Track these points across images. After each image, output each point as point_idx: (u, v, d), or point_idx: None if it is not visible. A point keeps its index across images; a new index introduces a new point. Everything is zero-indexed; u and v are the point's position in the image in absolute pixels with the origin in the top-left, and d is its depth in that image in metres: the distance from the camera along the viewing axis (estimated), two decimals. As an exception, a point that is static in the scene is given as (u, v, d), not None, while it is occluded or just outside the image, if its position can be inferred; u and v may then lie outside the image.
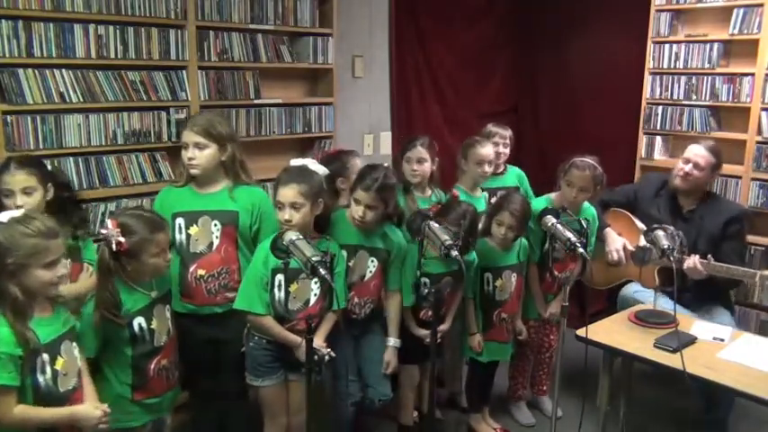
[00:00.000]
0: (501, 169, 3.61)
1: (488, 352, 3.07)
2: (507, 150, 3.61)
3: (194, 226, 2.55)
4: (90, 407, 2.00)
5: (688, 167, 3.25)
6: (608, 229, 3.37)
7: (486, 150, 3.23)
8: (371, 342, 2.81)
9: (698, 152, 3.26)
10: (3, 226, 1.89)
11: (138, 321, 2.23)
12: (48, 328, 1.95)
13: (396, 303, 2.81)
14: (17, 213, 1.95)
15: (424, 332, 2.81)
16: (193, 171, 2.54)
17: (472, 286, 2.99)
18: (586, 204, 3.25)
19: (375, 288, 2.75)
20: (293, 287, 2.46)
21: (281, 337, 2.47)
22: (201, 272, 2.54)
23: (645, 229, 3.06)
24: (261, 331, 2.50)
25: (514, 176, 3.66)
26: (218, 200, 2.59)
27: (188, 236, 2.55)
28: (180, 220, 2.54)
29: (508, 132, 3.62)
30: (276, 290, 2.46)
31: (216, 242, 2.56)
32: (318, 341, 2.41)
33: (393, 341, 2.79)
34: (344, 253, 2.63)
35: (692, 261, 2.97)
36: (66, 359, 1.98)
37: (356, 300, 2.71)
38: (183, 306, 2.56)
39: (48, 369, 1.92)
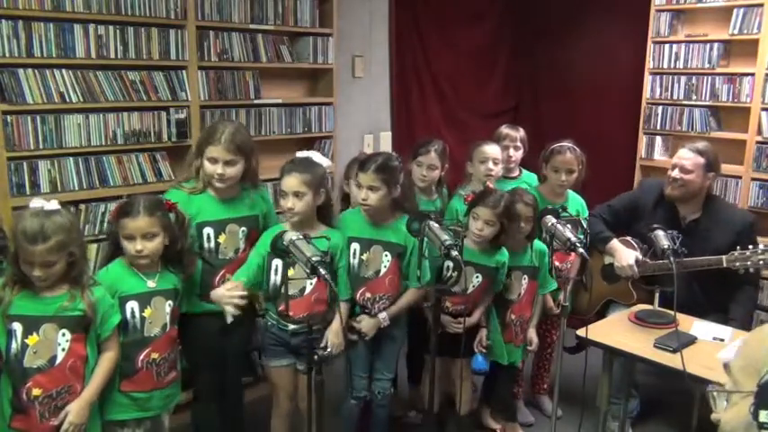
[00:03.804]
0: (515, 173, 3.51)
1: (507, 354, 3.03)
2: (519, 154, 3.48)
3: (223, 234, 2.57)
4: None
5: (675, 172, 3.10)
6: (614, 242, 3.14)
7: (491, 149, 3.23)
8: (385, 340, 2.78)
9: (682, 155, 3.12)
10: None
11: (132, 306, 2.28)
12: (35, 305, 2.08)
13: (410, 294, 2.76)
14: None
15: (448, 319, 2.82)
16: (220, 185, 2.54)
17: (496, 287, 2.94)
18: (572, 195, 3.26)
19: (390, 284, 2.71)
20: (290, 273, 2.45)
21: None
22: (230, 276, 2.56)
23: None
24: None
25: (529, 182, 3.45)
26: (241, 206, 2.63)
27: (217, 244, 2.57)
28: (208, 230, 2.54)
29: (519, 134, 3.48)
30: (273, 273, 2.52)
31: (242, 246, 2.61)
32: (332, 337, 2.55)
33: (383, 316, 2.69)
34: (357, 246, 2.66)
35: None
36: (42, 340, 2.07)
37: (368, 295, 2.69)
38: (202, 307, 2.56)
39: (18, 339, 2.05)
